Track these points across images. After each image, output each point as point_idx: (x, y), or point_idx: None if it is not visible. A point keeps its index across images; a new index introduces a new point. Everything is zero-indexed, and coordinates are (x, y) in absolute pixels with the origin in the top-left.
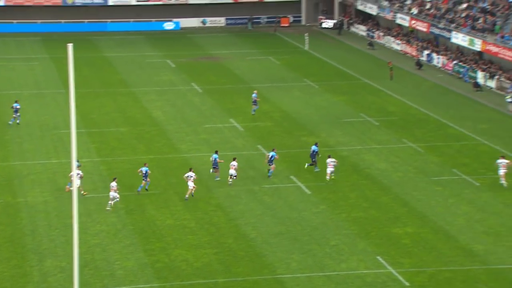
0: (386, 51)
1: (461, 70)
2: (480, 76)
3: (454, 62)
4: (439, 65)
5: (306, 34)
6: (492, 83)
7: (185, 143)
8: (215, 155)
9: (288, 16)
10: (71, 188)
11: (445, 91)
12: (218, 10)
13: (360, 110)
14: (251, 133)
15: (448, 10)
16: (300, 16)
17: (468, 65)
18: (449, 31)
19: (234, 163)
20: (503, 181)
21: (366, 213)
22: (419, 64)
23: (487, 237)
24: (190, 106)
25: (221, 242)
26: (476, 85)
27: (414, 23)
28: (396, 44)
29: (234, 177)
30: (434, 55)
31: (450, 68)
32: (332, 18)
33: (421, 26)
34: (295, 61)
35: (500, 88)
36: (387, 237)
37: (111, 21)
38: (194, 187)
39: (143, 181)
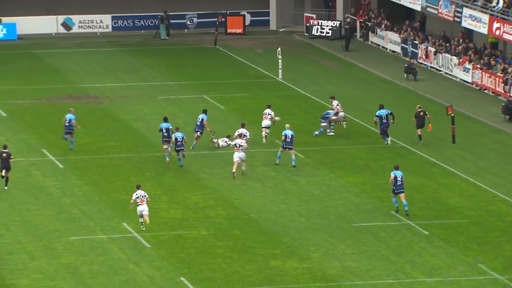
0: (443, 84)
1: None
2: None
3: None
4: None
5: (278, 50)
6: None
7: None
8: None
9: (242, 13)
10: None
11: None
12: (96, 2)
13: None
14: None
15: None
16: (267, 14)
17: None
18: None
19: (267, 110)
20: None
21: None
22: (510, 110)
23: None
24: (40, 199)
25: None
26: None
27: (498, 29)
28: (463, 71)
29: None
30: None
31: None
32: (332, 18)
33: None
34: (257, 103)
35: None
36: None
37: None
38: None
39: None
